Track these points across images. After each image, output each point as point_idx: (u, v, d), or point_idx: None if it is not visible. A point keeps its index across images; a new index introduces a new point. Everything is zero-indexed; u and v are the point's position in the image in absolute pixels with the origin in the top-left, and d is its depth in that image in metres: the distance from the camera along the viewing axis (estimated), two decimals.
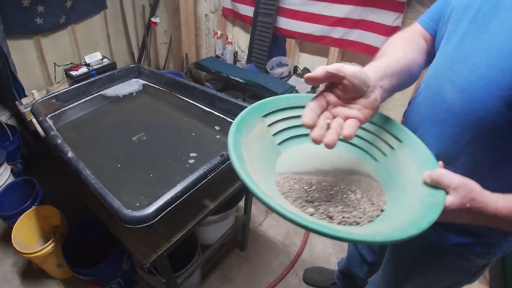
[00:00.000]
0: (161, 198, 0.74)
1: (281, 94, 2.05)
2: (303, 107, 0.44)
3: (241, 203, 1.50)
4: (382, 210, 0.48)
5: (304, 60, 2.37)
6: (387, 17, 1.83)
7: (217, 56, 2.63)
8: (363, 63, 2.14)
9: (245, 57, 2.59)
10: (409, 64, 0.56)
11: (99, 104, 1.32)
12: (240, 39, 2.68)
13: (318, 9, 2.03)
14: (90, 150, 1.08)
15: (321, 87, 0.47)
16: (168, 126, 1.21)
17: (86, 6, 2.27)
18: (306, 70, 2.30)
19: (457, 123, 0.53)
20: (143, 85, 1.44)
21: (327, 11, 2.00)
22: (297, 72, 2.33)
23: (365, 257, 1.15)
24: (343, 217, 0.46)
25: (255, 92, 2.46)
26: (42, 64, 2.16)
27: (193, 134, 1.16)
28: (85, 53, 2.36)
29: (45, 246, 1.31)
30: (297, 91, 2.13)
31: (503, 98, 0.46)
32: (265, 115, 0.58)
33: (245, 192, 1.41)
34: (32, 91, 1.54)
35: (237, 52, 2.61)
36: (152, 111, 1.31)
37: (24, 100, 1.64)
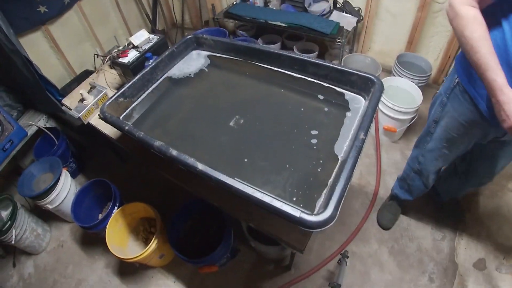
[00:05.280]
0: (334, 193, 0.63)
1: (329, 33, 1.83)
2: None
3: None
4: None
5: None
6: None
7: (243, 1, 2.30)
8: None
9: None
10: None
11: (170, 89, 1.11)
12: None
13: None
14: (186, 146, 0.90)
15: None
16: (263, 103, 1.00)
17: None
18: (347, 3, 2.02)
19: None
20: (208, 56, 1.20)
21: None
22: (337, 6, 2.05)
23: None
24: None
25: (293, 33, 2.23)
26: (58, 53, 1.97)
27: (302, 109, 0.96)
28: (98, 28, 2.15)
29: (150, 245, 1.25)
30: (342, 28, 1.91)
31: None
32: None
33: None
34: (80, 91, 1.28)
35: None
36: (232, 87, 1.09)
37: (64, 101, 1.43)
